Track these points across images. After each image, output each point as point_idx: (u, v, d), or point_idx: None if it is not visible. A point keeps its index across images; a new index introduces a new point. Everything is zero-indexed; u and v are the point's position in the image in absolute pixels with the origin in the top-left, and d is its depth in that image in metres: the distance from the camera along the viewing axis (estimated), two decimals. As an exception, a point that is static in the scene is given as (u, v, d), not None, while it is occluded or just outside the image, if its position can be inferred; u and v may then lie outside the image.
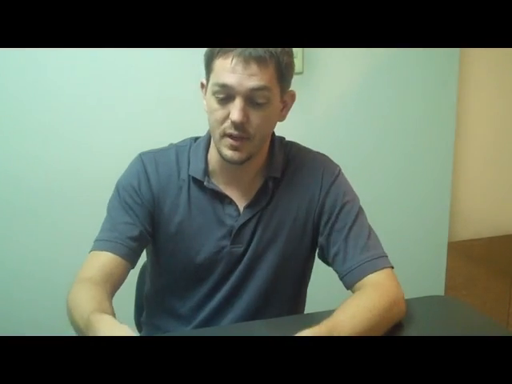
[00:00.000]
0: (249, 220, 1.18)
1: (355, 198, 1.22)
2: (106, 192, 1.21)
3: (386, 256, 1.18)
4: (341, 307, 1.03)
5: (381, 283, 1.11)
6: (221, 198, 1.18)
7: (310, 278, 1.31)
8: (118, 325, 0.84)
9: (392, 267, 1.17)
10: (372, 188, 2.20)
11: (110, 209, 1.19)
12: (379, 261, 1.15)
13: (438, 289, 2.45)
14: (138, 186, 1.17)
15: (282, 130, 1.22)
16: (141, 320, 1.38)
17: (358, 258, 1.15)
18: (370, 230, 1.20)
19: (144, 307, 1.36)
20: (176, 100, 1.95)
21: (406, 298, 1.21)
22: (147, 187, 1.17)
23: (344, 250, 1.17)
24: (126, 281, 1.14)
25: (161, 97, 1.96)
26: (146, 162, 1.18)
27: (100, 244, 1.14)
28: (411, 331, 0.90)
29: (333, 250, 1.18)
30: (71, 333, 0.98)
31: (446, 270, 2.51)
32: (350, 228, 1.18)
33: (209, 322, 1.22)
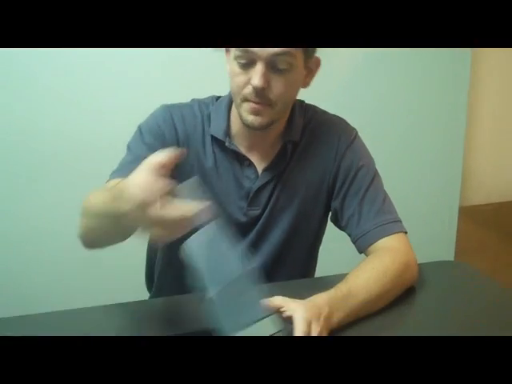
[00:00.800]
0: (266, 183, 1.17)
1: (371, 162, 1.22)
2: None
3: (400, 221, 1.17)
4: (355, 271, 1.03)
5: (394, 247, 1.11)
6: (241, 160, 1.17)
7: (321, 242, 1.31)
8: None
9: (405, 232, 1.16)
10: (383, 152, 2.18)
11: (132, 146, 1.14)
12: (393, 225, 1.15)
13: (449, 253, 2.45)
14: (162, 130, 1.13)
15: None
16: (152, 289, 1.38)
17: (372, 222, 1.15)
18: (385, 194, 1.20)
19: (154, 273, 1.36)
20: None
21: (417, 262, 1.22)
22: (173, 132, 1.14)
23: (358, 214, 1.16)
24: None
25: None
26: (172, 111, 1.16)
27: (122, 173, 1.05)
28: (422, 296, 0.90)
29: (347, 214, 1.18)
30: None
31: (457, 234, 2.50)
32: (365, 192, 1.17)
33: None
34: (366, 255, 1.14)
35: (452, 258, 2.41)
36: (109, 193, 0.88)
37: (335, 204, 1.20)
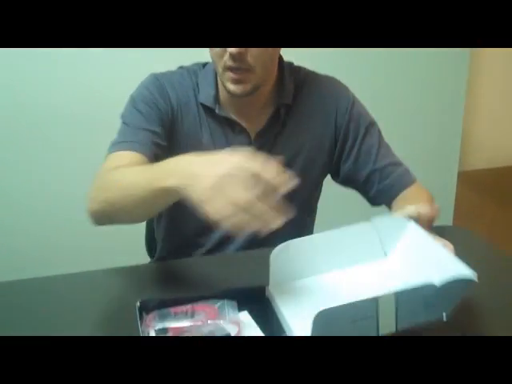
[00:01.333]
0: (260, 148, 1.16)
1: (373, 119, 1.23)
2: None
3: (408, 169, 1.23)
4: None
5: (422, 190, 1.21)
6: (232, 126, 1.15)
7: (317, 203, 1.31)
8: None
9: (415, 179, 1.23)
10: (383, 116, 2.17)
11: (126, 118, 1.12)
12: (411, 174, 1.22)
13: (447, 218, 2.46)
14: (156, 97, 1.11)
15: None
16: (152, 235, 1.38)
17: (394, 174, 1.19)
18: (390, 148, 1.24)
19: (156, 240, 1.37)
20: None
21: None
22: (166, 99, 1.12)
23: (379, 171, 1.19)
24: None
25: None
26: (161, 79, 1.14)
27: (122, 145, 1.06)
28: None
29: (364, 173, 1.20)
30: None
31: (455, 199, 2.51)
32: (378, 149, 1.20)
33: (217, 248, 1.22)
34: (391, 206, 1.18)
35: (450, 223, 2.41)
36: (159, 168, 0.88)
37: (347, 166, 1.21)
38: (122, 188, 0.94)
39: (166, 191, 0.83)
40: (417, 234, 0.90)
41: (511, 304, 0.95)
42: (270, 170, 0.75)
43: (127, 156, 1.04)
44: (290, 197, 1.21)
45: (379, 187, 1.20)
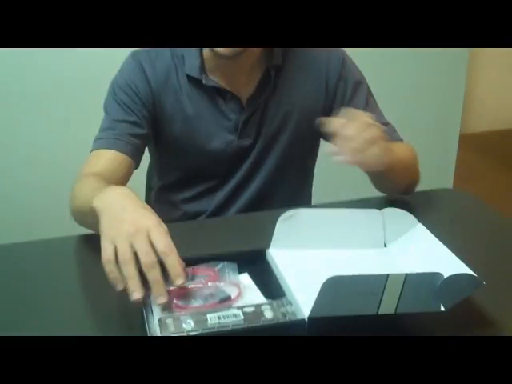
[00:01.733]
0: (254, 112, 1.15)
1: (364, 78, 1.22)
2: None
3: (394, 129, 1.22)
4: None
5: (406, 145, 1.19)
6: (222, 94, 1.14)
7: (315, 165, 1.31)
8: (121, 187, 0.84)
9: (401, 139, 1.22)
10: (385, 76, 2.15)
11: (107, 108, 1.14)
12: (397, 134, 1.21)
13: (447, 181, 2.46)
14: (134, 84, 1.11)
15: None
16: (152, 185, 1.38)
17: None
18: (378, 107, 1.23)
19: (152, 201, 1.37)
20: None
21: (416, 190, 1.22)
22: (145, 84, 1.12)
23: None
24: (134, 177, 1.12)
25: None
26: (140, 59, 1.12)
27: (101, 142, 1.10)
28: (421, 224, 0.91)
29: None
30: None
31: (456, 162, 2.50)
32: (366, 106, 1.18)
33: (215, 214, 1.23)
34: None
35: (451, 186, 2.41)
36: (91, 194, 0.87)
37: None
38: (75, 205, 0.99)
39: (93, 210, 0.83)
40: (423, 235, 0.90)
41: (509, 268, 0.96)
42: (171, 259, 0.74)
43: (104, 155, 1.08)
44: (289, 161, 1.21)
45: None
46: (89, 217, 0.87)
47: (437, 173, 2.42)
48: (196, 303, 0.78)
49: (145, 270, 0.72)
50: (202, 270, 0.84)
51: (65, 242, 1.03)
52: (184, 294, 0.78)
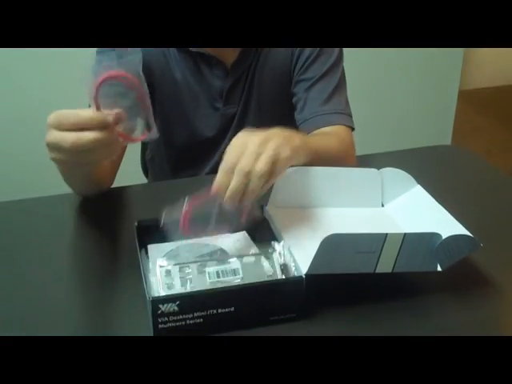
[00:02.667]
0: (238, 78, 1.14)
1: (335, 52, 1.15)
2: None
3: (349, 115, 1.14)
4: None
5: (336, 133, 1.09)
6: (207, 60, 1.12)
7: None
8: None
9: (352, 128, 1.13)
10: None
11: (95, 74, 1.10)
12: (338, 116, 1.12)
13: (446, 137, 2.45)
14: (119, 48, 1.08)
15: None
16: (145, 158, 1.38)
17: (316, 109, 1.12)
18: (340, 85, 1.15)
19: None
20: None
21: (413, 146, 1.21)
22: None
23: (304, 100, 1.13)
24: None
25: None
26: None
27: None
28: (418, 180, 0.91)
29: (294, 99, 1.16)
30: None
31: (455, 118, 2.49)
32: (318, 80, 1.13)
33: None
34: None
35: (449, 142, 2.41)
36: None
37: (291, 90, 1.17)
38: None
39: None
40: (421, 196, 0.89)
41: (505, 222, 0.96)
42: None
43: None
44: (270, 126, 1.18)
45: (298, 117, 1.14)
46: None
47: (435, 129, 2.41)
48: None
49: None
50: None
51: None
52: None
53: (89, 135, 0.71)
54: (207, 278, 0.73)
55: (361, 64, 1.63)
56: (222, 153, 1.16)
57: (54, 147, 0.74)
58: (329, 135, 1.09)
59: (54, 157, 0.76)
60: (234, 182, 0.75)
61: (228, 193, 0.75)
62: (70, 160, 0.75)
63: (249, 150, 0.76)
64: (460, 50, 2.39)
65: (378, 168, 0.93)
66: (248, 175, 0.75)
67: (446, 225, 0.79)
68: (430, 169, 1.14)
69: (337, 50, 1.16)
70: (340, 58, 1.16)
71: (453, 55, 2.39)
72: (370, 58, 2.10)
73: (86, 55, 1.11)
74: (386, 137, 2.05)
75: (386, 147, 1.17)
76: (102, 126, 0.71)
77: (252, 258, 0.76)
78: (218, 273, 0.74)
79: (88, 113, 0.72)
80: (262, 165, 0.75)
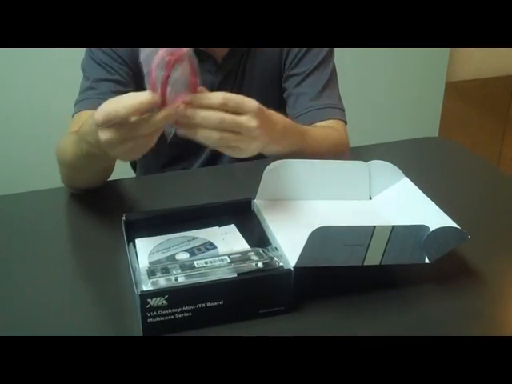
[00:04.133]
0: (228, 73, 1.13)
1: (328, 51, 1.15)
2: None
3: (341, 109, 1.14)
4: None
5: (330, 126, 1.10)
6: (198, 54, 1.10)
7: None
8: None
9: (345, 122, 1.13)
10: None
11: (86, 69, 1.09)
12: (331, 111, 1.12)
13: (433, 129, 2.45)
14: None
15: None
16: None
17: (308, 104, 1.12)
18: (331, 79, 1.15)
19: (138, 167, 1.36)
20: None
21: (400, 138, 1.22)
22: None
23: (295, 95, 1.13)
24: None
25: None
26: None
27: (83, 104, 1.05)
28: (405, 172, 0.91)
29: (285, 94, 1.15)
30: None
31: (442, 110, 2.49)
32: (308, 74, 1.13)
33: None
34: None
35: (436, 134, 2.42)
36: (75, 135, 0.86)
37: (282, 85, 1.17)
38: (64, 163, 0.96)
39: (93, 148, 0.82)
40: (409, 188, 0.89)
41: (491, 211, 0.97)
42: None
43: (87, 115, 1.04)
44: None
45: (291, 113, 1.14)
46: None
47: (422, 121, 2.42)
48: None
49: None
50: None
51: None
52: None
53: (146, 123, 0.73)
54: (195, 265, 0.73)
55: (348, 56, 1.63)
56: (210, 151, 1.17)
57: (117, 143, 0.74)
58: (324, 128, 1.09)
59: (118, 152, 0.76)
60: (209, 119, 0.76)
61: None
62: (139, 146, 0.76)
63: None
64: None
65: (366, 160, 0.93)
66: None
67: (434, 217, 0.80)
68: (417, 161, 1.15)
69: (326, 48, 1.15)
70: (330, 52, 1.16)
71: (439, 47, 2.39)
72: (356, 50, 2.10)
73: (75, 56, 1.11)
74: (373, 129, 2.05)
75: (373, 139, 1.18)
76: (151, 105, 0.72)
77: (238, 255, 0.76)
78: (205, 262, 0.74)
79: (130, 101, 0.72)
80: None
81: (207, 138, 0.77)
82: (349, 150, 1.10)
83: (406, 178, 0.91)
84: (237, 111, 0.77)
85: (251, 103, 0.78)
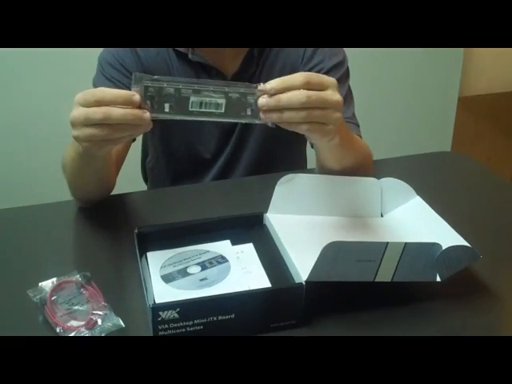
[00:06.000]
0: None
1: (342, 62, 1.15)
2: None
3: (357, 124, 1.13)
4: None
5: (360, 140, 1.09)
6: (207, 71, 1.11)
7: (304, 138, 1.29)
8: None
9: (360, 137, 1.11)
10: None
11: (97, 83, 1.09)
12: (348, 125, 1.07)
13: (446, 144, 2.45)
14: (123, 60, 1.08)
15: None
16: (146, 166, 1.38)
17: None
18: (347, 99, 1.13)
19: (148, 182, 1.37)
20: None
21: (413, 153, 1.21)
22: (135, 60, 1.08)
23: None
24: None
25: None
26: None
27: None
28: (418, 187, 0.91)
29: None
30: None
31: (455, 124, 2.48)
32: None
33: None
34: None
35: (449, 149, 2.41)
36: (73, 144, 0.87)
37: None
38: (68, 171, 0.96)
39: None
40: (420, 207, 0.89)
41: (504, 228, 0.96)
42: None
43: None
44: (275, 136, 1.16)
45: None
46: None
47: (435, 136, 2.41)
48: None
49: None
50: None
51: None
52: None
53: (119, 109, 0.72)
54: (189, 106, 0.75)
55: (360, 71, 1.63)
56: (221, 167, 1.17)
57: (81, 122, 0.74)
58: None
59: (78, 134, 0.76)
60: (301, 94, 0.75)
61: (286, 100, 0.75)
62: (98, 135, 0.74)
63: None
64: (459, 57, 2.39)
65: (379, 174, 0.93)
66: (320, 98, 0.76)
67: (446, 236, 0.79)
68: (430, 175, 1.14)
69: (344, 68, 1.15)
70: (347, 74, 1.15)
71: (452, 61, 2.39)
72: (369, 64, 2.10)
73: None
74: (386, 143, 2.05)
75: (386, 154, 1.17)
76: (128, 102, 0.73)
77: (237, 95, 0.76)
78: (201, 103, 0.75)
79: (115, 90, 0.74)
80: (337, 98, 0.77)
81: (295, 117, 0.76)
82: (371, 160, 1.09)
83: (418, 197, 0.90)
84: (319, 88, 0.77)
85: (331, 79, 0.79)
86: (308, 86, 0.76)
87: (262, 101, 0.75)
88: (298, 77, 0.76)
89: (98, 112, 0.73)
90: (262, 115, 0.76)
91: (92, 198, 1.00)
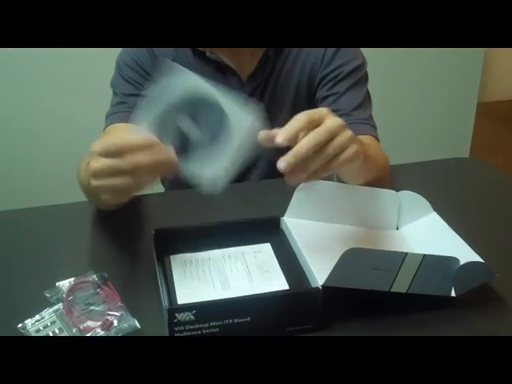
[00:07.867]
0: (253, 90, 1.13)
1: (362, 65, 1.15)
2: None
3: (373, 126, 1.12)
4: None
5: (370, 142, 1.06)
6: (223, 70, 1.12)
7: None
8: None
9: (377, 140, 1.11)
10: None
11: (116, 85, 1.12)
12: (363, 126, 1.10)
13: (464, 150, 2.43)
14: (140, 61, 1.09)
15: None
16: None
17: (345, 118, 1.09)
18: (364, 102, 1.13)
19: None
20: None
21: (431, 158, 1.20)
22: (152, 59, 1.09)
23: (333, 111, 1.12)
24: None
25: None
26: None
27: (113, 117, 1.07)
28: (434, 193, 0.90)
29: None
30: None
31: (473, 131, 2.47)
32: (341, 95, 1.11)
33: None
34: None
35: (467, 155, 2.39)
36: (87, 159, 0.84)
37: (317, 104, 1.15)
38: (79, 176, 0.95)
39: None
40: (437, 223, 0.88)
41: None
42: None
43: (118, 129, 1.04)
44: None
45: None
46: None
47: (453, 141, 2.40)
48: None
49: None
50: None
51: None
52: None
53: (146, 155, 0.69)
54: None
55: (378, 76, 1.63)
56: (238, 169, 1.17)
57: (107, 173, 0.70)
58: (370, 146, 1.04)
59: (100, 184, 0.72)
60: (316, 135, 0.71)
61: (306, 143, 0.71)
62: (124, 184, 0.70)
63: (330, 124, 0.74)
64: (479, 63, 2.38)
65: (396, 179, 0.92)
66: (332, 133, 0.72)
67: (462, 253, 0.78)
68: (448, 181, 1.14)
69: (362, 71, 1.15)
70: (365, 78, 1.15)
71: (472, 67, 2.38)
72: (388, 70, 2.10)
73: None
74: (404, 148, 2.04)
75: (403, 159, 1.17)
76: (151, 144, 0.70)
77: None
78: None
79: (134, 136, 0.71)
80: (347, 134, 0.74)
81: (318, 162, 0.72)
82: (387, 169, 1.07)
83: (435, 213, 0.89)
84: (320, 121, 0.74)
85: (322, 109, 0.76)
86: (312, 123, 0.73)
87: (281, 164, 0.71)
88: (301, 118, 0.73)
89: (125, 161, 0.69)
90: (287, 181, 0.73)
91: (108, 208, 1.00)
